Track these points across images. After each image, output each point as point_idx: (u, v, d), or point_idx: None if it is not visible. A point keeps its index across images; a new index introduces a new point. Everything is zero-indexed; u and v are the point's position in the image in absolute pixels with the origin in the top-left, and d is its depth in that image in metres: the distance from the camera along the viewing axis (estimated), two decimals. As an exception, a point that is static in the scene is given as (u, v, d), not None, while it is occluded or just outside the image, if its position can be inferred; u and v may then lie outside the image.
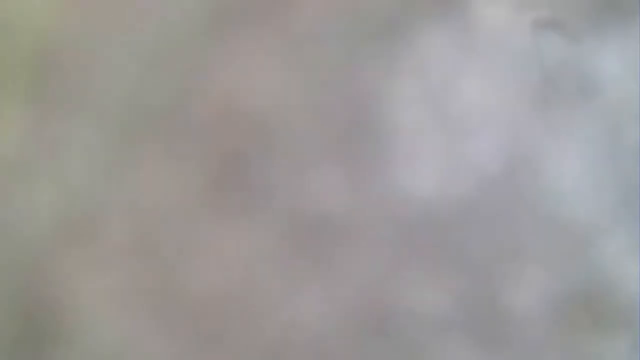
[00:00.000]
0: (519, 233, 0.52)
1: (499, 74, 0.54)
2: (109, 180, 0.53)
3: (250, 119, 0.54)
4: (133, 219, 0.53)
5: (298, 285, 0.52)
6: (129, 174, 0.53)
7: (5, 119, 0.53)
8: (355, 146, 0.53)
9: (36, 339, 0.51)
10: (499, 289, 0.52)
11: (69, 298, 0.52)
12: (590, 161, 0.53)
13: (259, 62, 0.54)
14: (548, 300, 0.52)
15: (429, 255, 0.52)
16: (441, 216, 0.52)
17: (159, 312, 0.52)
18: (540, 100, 0.54)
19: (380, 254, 0.52)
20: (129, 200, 0.53)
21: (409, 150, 0.53)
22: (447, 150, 0.53)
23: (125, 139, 0.53)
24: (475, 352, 0.51)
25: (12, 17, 0.54)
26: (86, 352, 0.51)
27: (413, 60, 0.54)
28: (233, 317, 0.52)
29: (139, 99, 0.53)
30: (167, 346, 0.52)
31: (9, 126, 0.53)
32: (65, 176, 0.53)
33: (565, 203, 0.53)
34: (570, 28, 0.54)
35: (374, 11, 0.54)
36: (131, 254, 0.52)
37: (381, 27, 0.54)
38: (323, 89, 0.54)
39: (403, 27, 0.54)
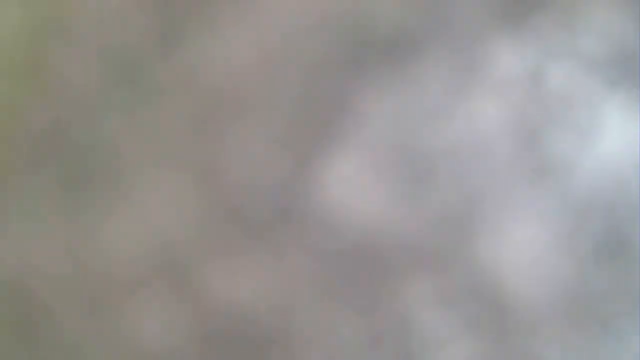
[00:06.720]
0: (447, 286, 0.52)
1: (488, 120, 0.53)
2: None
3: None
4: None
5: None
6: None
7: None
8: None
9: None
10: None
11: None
12: (546, 243, 0.53)
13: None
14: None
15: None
16: (379, 246, 0.52)
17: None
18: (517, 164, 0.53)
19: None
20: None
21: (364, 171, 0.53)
22: (408, 181, 0.53)
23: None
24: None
25: None
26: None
27: (402, 83, 0.53)
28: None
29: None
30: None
31: None
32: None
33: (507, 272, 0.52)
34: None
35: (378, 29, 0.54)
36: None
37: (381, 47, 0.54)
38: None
39: (404, 53, 0.54)
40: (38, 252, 0.52)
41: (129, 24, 0.53)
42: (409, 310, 0.52)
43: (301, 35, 0.54)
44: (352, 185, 0.53)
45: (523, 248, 0.52)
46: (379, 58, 0.54)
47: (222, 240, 0.52)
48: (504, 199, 0.53)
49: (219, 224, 0.52)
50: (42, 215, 0.52)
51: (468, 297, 0.52)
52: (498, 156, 0.53)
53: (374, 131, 0.53)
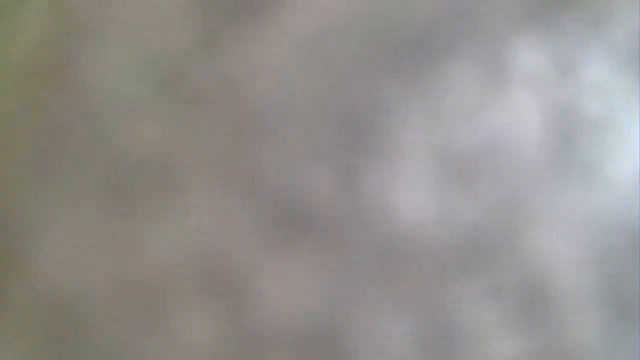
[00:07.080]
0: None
1: (515, 123, 0.54)
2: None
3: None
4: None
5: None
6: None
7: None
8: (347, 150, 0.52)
9: None
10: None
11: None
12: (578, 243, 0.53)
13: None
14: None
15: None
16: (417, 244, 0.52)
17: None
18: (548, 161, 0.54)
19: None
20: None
21: (402, 171, 0.52)
22: (448, 180, 0.53)
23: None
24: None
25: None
26: None
27: (436, 83, 0.53)
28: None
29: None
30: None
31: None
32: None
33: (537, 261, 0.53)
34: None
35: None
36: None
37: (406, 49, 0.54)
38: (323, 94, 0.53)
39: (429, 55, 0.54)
40: (82, 262, 0.51)
41: (169, 31, 0.52)
42: (457, 308, 0.52)
43: (335, 39, 0.53)
44: (394, 188, 0.52)
45: (567, 245, 0.53)
46: (411, 58, 0.54)
47: (271, 249, 0.51)
48: (544, 196, 0.53)
49: (266, 232, 0.51)
50: (86, 225, 0.51)
51: (515, 295, 0.52)
52: (536, 153, 0.53)
53: (411, 132, 0.53)
